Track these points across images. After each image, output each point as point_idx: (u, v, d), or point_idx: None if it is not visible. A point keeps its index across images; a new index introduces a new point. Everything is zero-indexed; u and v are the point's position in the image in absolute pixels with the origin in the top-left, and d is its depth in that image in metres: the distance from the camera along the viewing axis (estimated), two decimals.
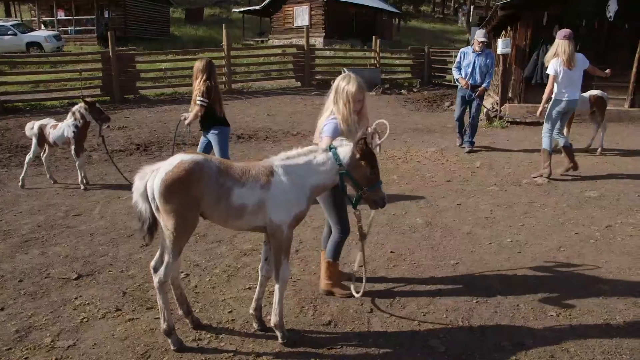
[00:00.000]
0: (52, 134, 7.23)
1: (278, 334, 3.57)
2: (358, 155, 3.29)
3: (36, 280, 4.52)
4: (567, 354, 3.48)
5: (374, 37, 21.24)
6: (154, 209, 3.28)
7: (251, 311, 3.76)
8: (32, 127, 7.33)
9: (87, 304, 4.12)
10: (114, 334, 3.69)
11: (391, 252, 5.15)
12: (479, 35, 9.31)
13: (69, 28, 29.57)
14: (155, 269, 3.43)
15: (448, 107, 15.64)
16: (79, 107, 7.17)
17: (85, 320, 3.88)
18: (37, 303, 4.13)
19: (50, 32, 26.47)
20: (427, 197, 6.89)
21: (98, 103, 7.41)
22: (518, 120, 12.40)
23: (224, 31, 17.35)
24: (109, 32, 15.65)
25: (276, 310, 3.52)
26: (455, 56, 21.56)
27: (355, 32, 32.75)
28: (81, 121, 7.16)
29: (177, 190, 3.15)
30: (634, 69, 12.18)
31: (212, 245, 5.34)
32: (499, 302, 4.16)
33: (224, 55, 17.17)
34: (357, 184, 3.37)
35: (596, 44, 12.15)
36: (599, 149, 9.27)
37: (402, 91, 18.74)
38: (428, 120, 13.51)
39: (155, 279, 3.38)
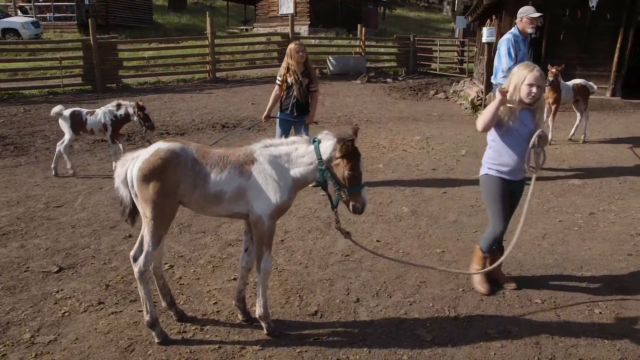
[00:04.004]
0: (89, 120, 7.26)
1: (263, 325, 3.54)
2: (339, 153, 3.12)
3: (15, 274, 4.42)
4: (552, 341, 3.51)
5: (359, 25, 21.18)
6: (133, 196, 3.31)
7: (234, 302, 3.73)
8: (60, 112, 7.27)
9: (69, 297, 4.04)
10: (97, 328, 3.62)
11: (377, 241, 5.14)
12: (530, 10, 6.80)
13: (48, 15, 28.83)
14: (135, 259, 3.41)
15: (433, 95, 15.66)
16: (130, 104, 7.27)
17: (66, 314, 3.80)
18: (16, 297, 4.04)
19: (28, 19, 25.78)
20: (412, 186, 6.88)
21: (147, 109, 7.46)
22: None
23: (208, 19, 17.13)
24: (89, 20, 15.35)
25: (260, 302, 3.48)
26: (441, 44, 21.83)
27: (340, 21, 32.53)
28: (122, 115, 7.25)
29: (153, 178, 3.15)
30: (615, 59, 12.27)
31: (197, 235, 5.28)
32: None
33: (207, 43, 16.97)
34: (337, 182, 3.19)
35: (579, 33, 12.23)
36: (582, 138, 9.34)
37: (388, 79, 18.71)
38: (413, 108, 13.51)
39: (135, 269, 3.37)
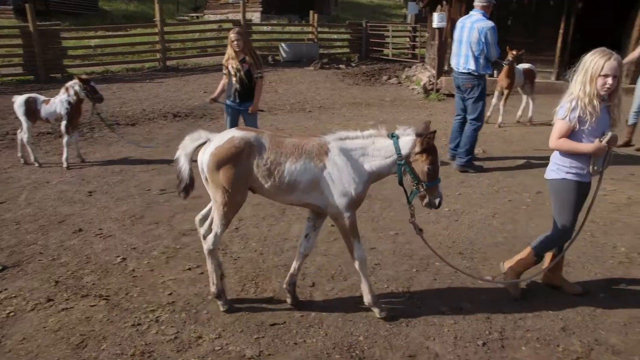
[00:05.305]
0: (44, 109, 6.99)
1: (374, 310, 3.57)
2: (418, 149, 3.20)
3: None
4: (502, 315, 3.65)
5: (311, 11, 21.04)
6: (203, 180, 3.42)
7: (284, 286, 3.73)
8: (14, 102, 7.03)
9: (14, 296, 3.88)
10: (46, 326, 3.50)
11: (331, 225, 5.13)
12: None
13: None
14: (205, 237, 3.60)
15: (386, 80, 15.80)
16: (74, 83, 6.97)
17: (12, 314, 3.65)
18: None
19: None
20: None
21: (93, 82, 7.18)
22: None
23: (157, 6, 16.62)
24: (26, 5, 14.59)
25: (365, 290, 3.54)
26: (394, 30, 22.00)
27: (292, 7, 32.21)
28: (75, 98, 6.97)
29: (225, 165, 3.26)
30: (559, 44, 12.71)
31: (150, 227, 5.17)
32: (438, 269, 4.28)
33: (157, 30, 16.49)
34: (415, 177, 3.26)
35: (526, 19, 12.57)
36: (529, 119, 9.64)
37: (341, 66, 18.73)
38: (366, 94, 13.59)
39: (205, 246, 3.54)
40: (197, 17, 32.59)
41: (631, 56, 8.23)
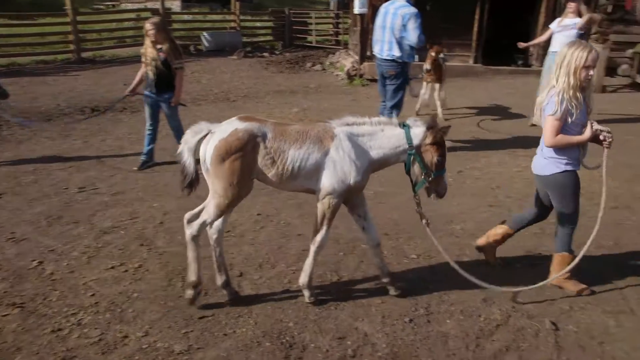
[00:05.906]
0: None
1: (305, 293, 3.60)
2: (429, 140, 3.27)
3: None
4: (427, 291, 3.80)
5: None
6: (203, 171, 3.33)
7: (383, 279, 3.74)
8: None
9: None
10: None
11: (258, 214, 5.14)
12: None
13: None
14: (190, 222, 3.44)
15: (310, 67, 15.85)
16: None
17: None
18: None
19: None
20: None
21: None
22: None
23: None
24: None
25: (307, 271, 3.55)
26: (317, 17, 22.04)
27: None
28: None
29: (229, 158, 3.19)
30: (475, 29, 13.26)
31: (68, 227, 4.90)
32: (364, 252, 4.36)
33: (69, 20, 15.53)
34: (425, 167, 3.32)
35: (444, 5, 12.94)
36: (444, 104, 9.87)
37: (264, 54, 18.57)
38: (291, 81, 13.56)
39: (188, 231, 3.43)
40: (114, 5, 31.14)
41: (537, 40, 8.90)
